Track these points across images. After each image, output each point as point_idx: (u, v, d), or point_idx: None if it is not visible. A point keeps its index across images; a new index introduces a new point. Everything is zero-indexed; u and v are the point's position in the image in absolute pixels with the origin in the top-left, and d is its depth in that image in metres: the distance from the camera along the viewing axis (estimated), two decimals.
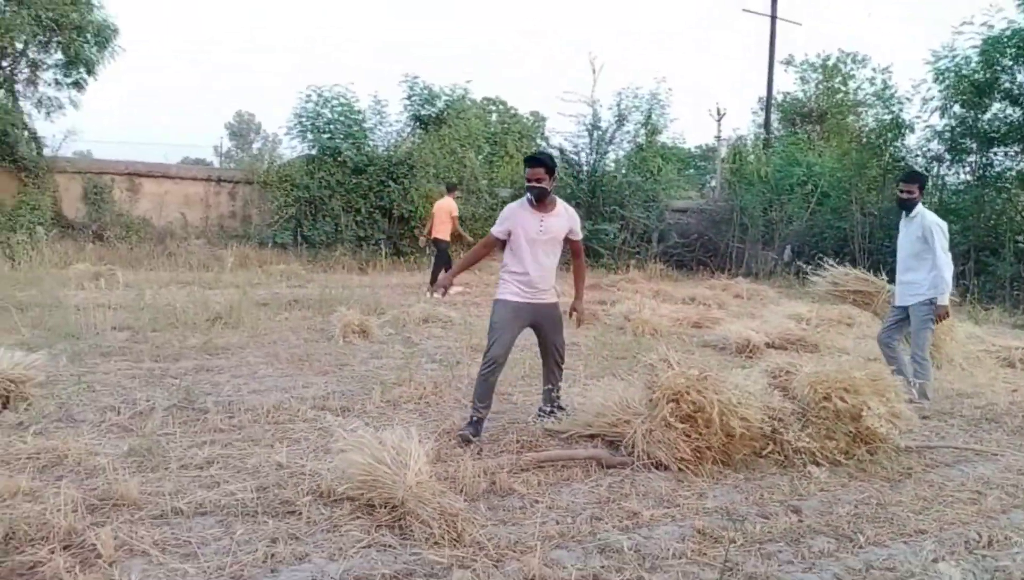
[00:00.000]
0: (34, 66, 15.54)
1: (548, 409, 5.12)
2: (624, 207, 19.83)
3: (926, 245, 6.04)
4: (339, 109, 17.71)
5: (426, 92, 18.65)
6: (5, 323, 7.54)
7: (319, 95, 17.77)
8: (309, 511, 3.47)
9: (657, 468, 4.30)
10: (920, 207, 6.22)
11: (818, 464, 4.49)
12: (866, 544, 3.49)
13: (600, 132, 20.34)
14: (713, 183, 29.84)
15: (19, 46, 14.89)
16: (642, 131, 21.82)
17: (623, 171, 20.55)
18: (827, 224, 17.90)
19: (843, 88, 29.19)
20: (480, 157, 20.49)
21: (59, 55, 15.33)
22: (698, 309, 11.72)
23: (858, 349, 9.00)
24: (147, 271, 13.13)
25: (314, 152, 17.63)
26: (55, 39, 15.01)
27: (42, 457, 3.98)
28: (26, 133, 15.32)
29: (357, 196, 17.42)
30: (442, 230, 12.55)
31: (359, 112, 18.20)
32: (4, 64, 15.08)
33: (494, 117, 32.38)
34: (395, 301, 10.91)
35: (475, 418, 4.72)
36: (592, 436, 4.72)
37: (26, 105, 15.58)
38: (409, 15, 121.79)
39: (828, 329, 10.26)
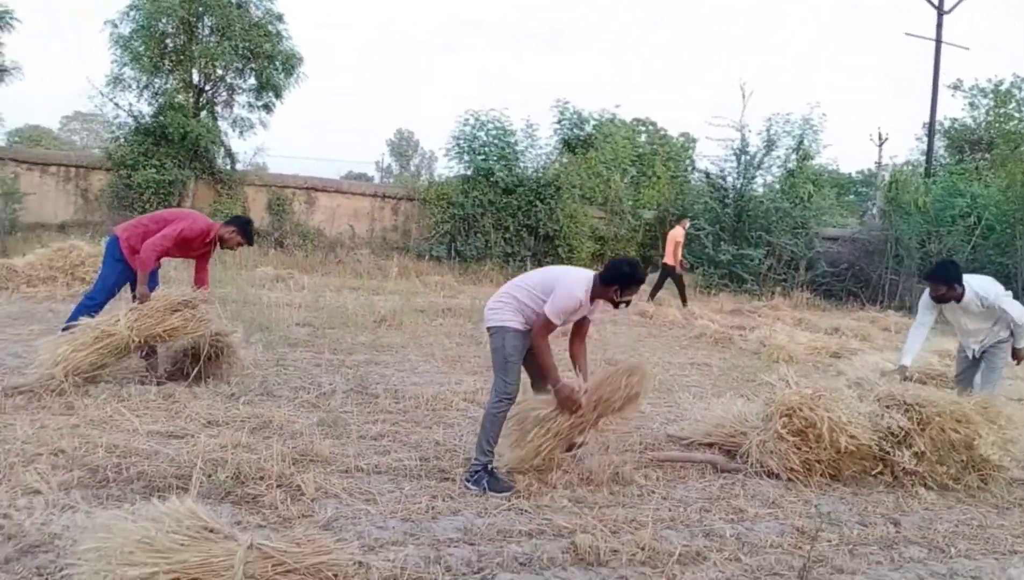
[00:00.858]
0: (231, 90, 17.67)
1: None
2: (771, 233, 19.70)
3: None
4: (494, 132, 18.79)
5: (575, 116, 19.43)
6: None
7: (476, 119, 18.93)
8: (462, 479, 4.20)
9: (768, 476, 4.72)
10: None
11: (927, 487, 4.75)
12: (956, 556, 3.80)
13: (748, 156, 20.35)
14: (874, 210, 28.80)
15: (219, 72, 16.99)
16: (793, 156, 21.60)
17: (771, 196, 20.41)
18: (989, 259, 17.05)
19: (1017, 114, 27.41)
20: (626, 179, 21.01)
21: (252, 80, 17.34)
22: (839, 339, 11.69)
23: (1007, 389, 8.83)
24: (320, 276, 14.61)
25: (469, 172, 18.79)
26: (249, 66, 17.02)
27: (252, 421, 4.95)
28: (222, 150, 17.43)
29: (507, 215, 18.40)
30: (668, 256, 14.92)
31: (512, 135, 19.22)
32: (207, 88, 17.26)
33: (643, 137, 32.81)
34: None
35: (489, 465, 4.23)
36: (710, 444, 5.19)
37: (223, 125, 17.72)
38: (564, 38, 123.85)
39: None
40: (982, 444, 4.73)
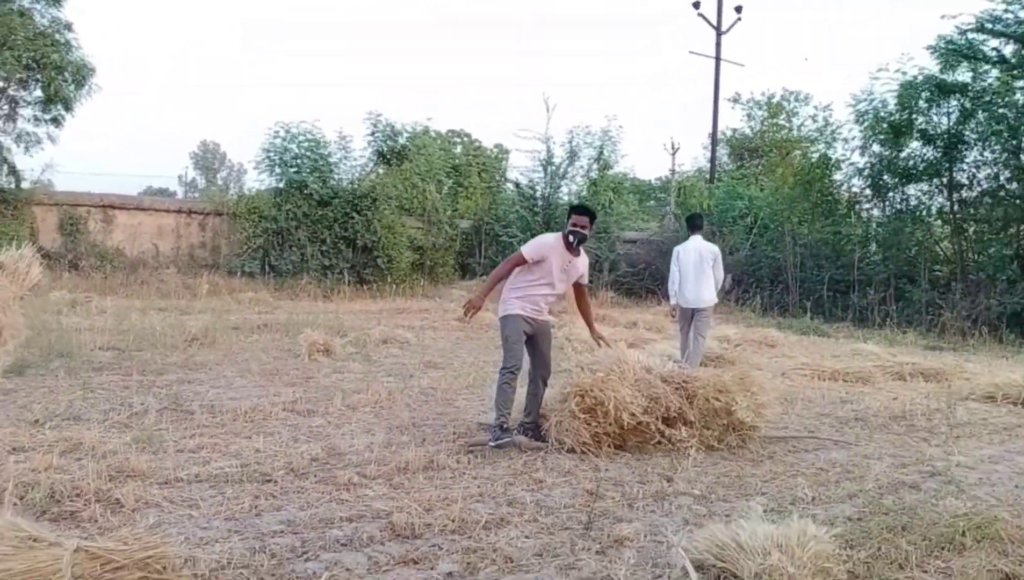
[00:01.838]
0: (14, 103, 16.34)
1: (528, 430, 5.57)
2: None
3: None
4: (305, 145, 18.68)
5: (388, 129, 19.73)
6: None
7: (287, 131, 18.74)
8: (283, 480, 4.43)
9: (570, 452, 5.33)
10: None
11: (697, 449, 5.56)
12: (715, 500, 4.54)
13: (554, 167, 21.60)
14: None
15: (0, 84, 15.68)
16: (595, 166, 23.15)
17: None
18: (764, 254, 19.23)
19: (787, 124, 31.04)
20: (445, 189, 21.57)
21: (38, 93, 16.13)
22: (636, 331, 12.84)
23: (771, 365, 10.21)
24: (122, 298, 13.92)
25: (281, 185, 18.55)
26: (35, 77, 15.84)
27: (61, 444, 4.86)
28: (5, 167, 16.06)
29: (323, 227, 18.35)
30: None
31: (325, 147, 19.20)
32: None
33: (459, 149, 33.55)
34: (357, 325, 11.84)
35: (504, 425, 5.29)
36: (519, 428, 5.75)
37: (6, 140, 16.34)
38: (375, 51, 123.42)
39: (749, 349, 11.47)
40: (738, 410, 5.60)
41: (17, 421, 5.37)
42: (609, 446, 5.41)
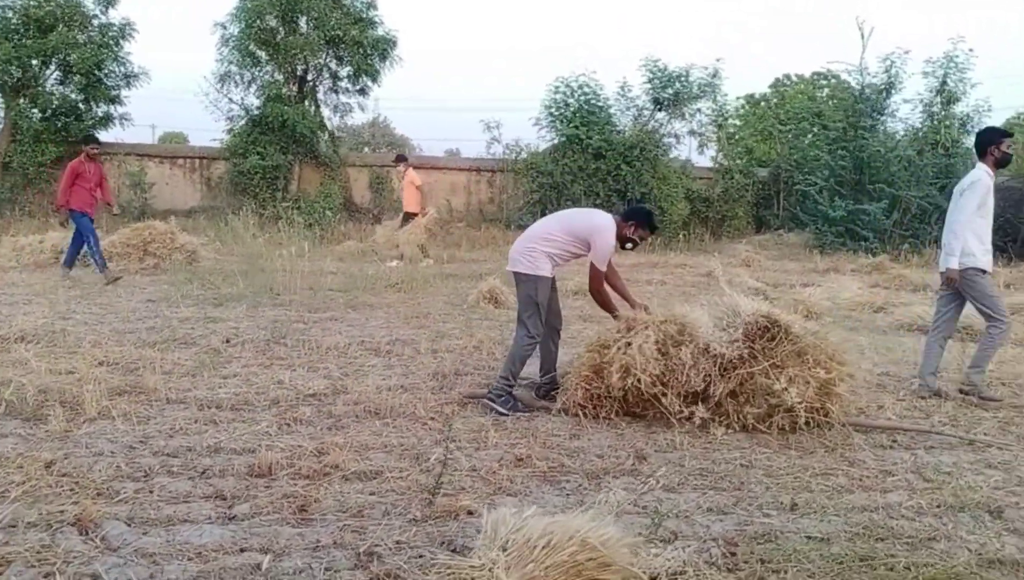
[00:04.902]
0: (334, 77, 18.98)
1: (546, 389, 5.16)
2: (893, 185, 18.06)
3: None
4: (583, 98, 18.74)
5: (662, 73, 18.81)
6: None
7: (567, 85, 18.97)
8: (246, 410, 4.67)
9: (564, 413, 4.78)
10: None
11: (730, 427, 4.56)
12: (658, 489, 3.71)
13: (868, 102, 18.72)
14: None
15: (319, 62, 18.34)
16: (937, 99, 19.67)
17: (892, 144, 18.64)
18: None
19: None
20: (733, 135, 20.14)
21: (349, 67, 18.53)
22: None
23: None
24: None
25: (561, 140, 18.90)
26: (345, 54, 18.20)
27: (131, 362, 5.68)
28: (326, 134, 18.84)
29: (597, 180, 18.34)
30: (411, 203, 13.29)
31: (605, 99, 19.07)
32: (309, 77, 18.68)
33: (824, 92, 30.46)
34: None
35: (511, 390, 4.90)
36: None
37: (325, 110, 19.13)
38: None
39: None
40: (786, 394, 4.44)
41: (142, 342, 6.39)
42: (615, 412, 4.71)
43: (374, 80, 18.75)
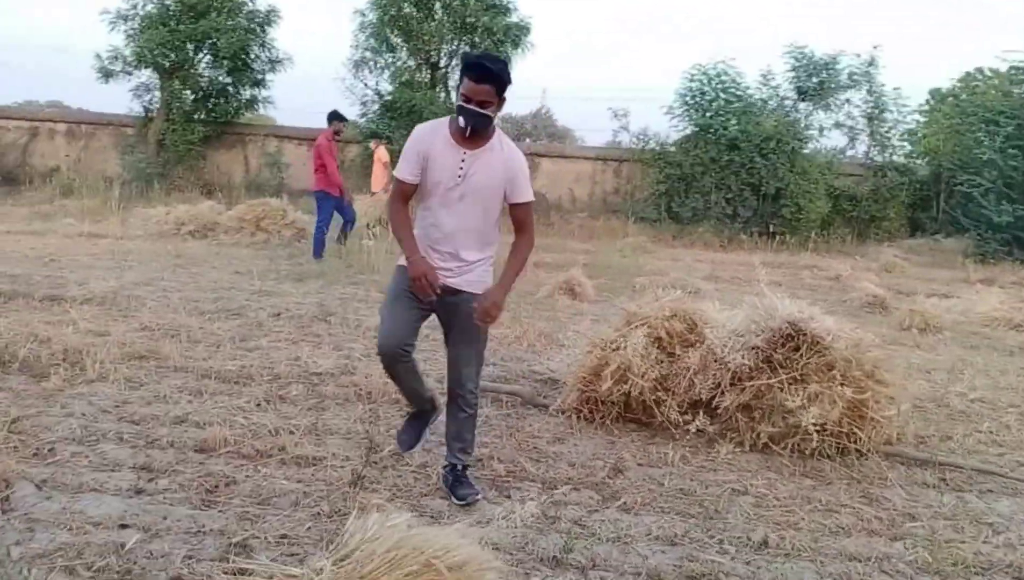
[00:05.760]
0: None
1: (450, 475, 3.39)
2: None
3: None
4: (720, 87, 17.77)
5: (811, 63, 17.43)
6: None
7: (703, 73, 18.06)
8: (237, 381, 4.64)
9: (560, 414, 4.40)
10: None
11: (741, 445, 4.00)
12: (614, 508, 3.28)
13: None
14: None
15: (451, 48, 18.49)
16: None
17: None
18: None
19: None
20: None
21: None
22: None
23: None
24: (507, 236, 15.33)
25: (694, 130, 18.04)
26: (476, 40, 18.22)
27: (170, 329, 5.85)
28: None
29: (729, 173, 17.37)
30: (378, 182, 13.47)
31: (745, 88, 18.01)
32: (441, 64, 18.87)
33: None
34: (676, 273, 11.06)
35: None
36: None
37: (455, 97, 19.21)
38: None
39: None
40: (804, 413, 3.82)
41: (196, 310, 6.58)
42: (614, 418, 4.26)
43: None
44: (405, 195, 3.26)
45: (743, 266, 12.78)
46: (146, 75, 17.84)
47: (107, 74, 17.40)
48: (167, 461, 3.44)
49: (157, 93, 17.84)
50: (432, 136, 3.19)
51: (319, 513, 3.05)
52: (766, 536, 3.09)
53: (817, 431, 3.78)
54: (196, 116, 17.89)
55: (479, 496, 3.26)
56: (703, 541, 3.03)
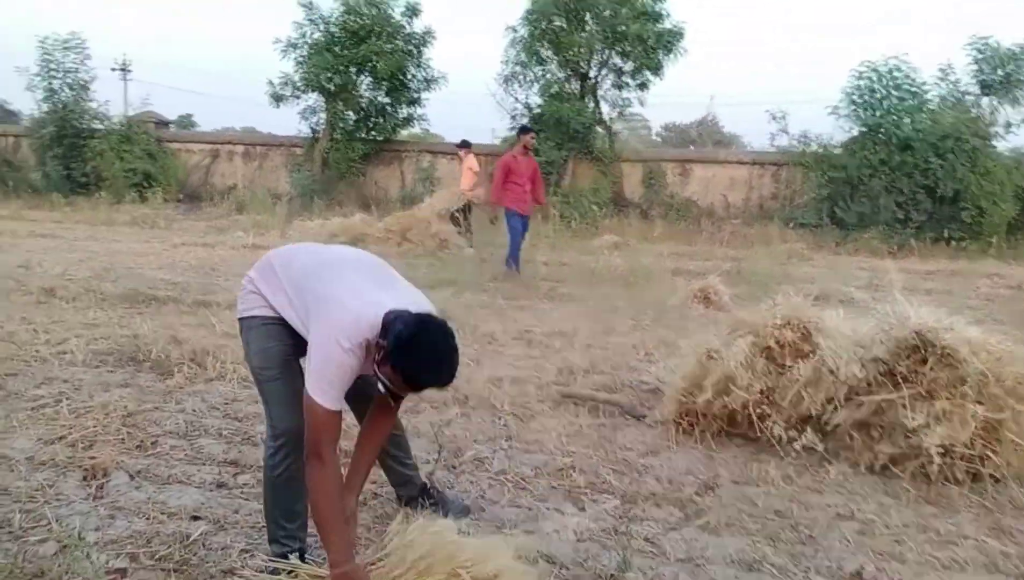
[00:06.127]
0: (619, 73, 18.86)
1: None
2: None
3: None
4: (892, 84, 16.45)
5: (994, 55, 15.69)
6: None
7: (873, 70, 16.79)
8: None
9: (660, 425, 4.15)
10: None
11: (856, 465, 3.58)
12: (701, 531, 3.03)
13: None
14: None
15: (602, 59, 18.35)
16: None
17: None
18: None
19: None
20: None
21: (631, 63, 18.25)
22: None
23: None
24: (654, 243, 14.91)
25: (861, 130, 16.81)
26: (627, 48, 17.97)
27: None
28: (602, 131, 18.83)
29: (902, 174, 16.00)
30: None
31: (921, 84, 16.58)
32: (591, 74, 18.74)
33: None
34: (823, 280, 10.29)
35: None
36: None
37: (605, 106, 19.08)
38: None
39: None
40: (928, 433, 3.35)
41: None
42: (717, 431, 3.96)
43: (655, 73, 18.29)
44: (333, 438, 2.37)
45: (912, 274, 11.68)
46: (312, 98, 19.08)
47: (278, 98, 18.77)
48: (256, 458, 3.55)
49: (322, 115, 19.01)
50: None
51: (383, 515, 3.03)
52: (861, 567, 2.73)
53: (941, 454, 3.30)
54: (357, 135, 18.89)
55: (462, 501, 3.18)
56: (786, 568, 2.72)
